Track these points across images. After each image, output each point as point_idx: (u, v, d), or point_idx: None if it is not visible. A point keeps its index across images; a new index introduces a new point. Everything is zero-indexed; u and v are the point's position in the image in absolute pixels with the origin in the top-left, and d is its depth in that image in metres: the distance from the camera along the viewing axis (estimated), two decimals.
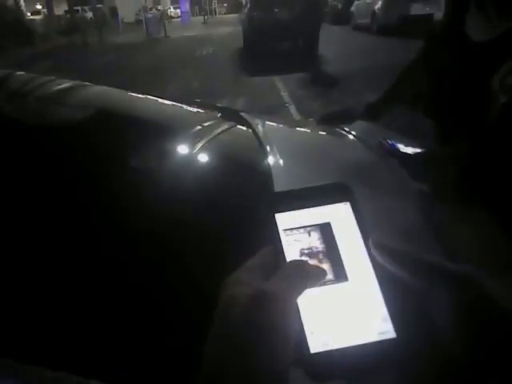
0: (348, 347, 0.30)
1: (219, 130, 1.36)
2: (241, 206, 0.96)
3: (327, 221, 0.35)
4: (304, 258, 0.34)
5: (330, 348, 0.29)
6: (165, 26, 18.56)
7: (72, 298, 0.72)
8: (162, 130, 1.36)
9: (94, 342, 0.66)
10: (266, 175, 1.09)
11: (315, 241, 0.34)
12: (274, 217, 0.34)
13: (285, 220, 0.34)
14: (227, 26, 19.38)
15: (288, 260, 0.33)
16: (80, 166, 1.03)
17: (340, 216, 0.35)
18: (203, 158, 1.22)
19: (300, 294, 0.31)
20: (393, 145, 1.17)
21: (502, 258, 0.81)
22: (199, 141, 1.22)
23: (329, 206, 0.35)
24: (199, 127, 1.40)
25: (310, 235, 0.34)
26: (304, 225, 0.35)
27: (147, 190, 0.96)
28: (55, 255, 0.79)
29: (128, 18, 24.61)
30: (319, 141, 1.60)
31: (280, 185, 1.03)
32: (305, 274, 0.32)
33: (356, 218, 0.35)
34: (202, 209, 0.94)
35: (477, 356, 0.28)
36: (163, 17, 20.29)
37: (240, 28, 12.36)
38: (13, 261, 0.77)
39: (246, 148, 1.35)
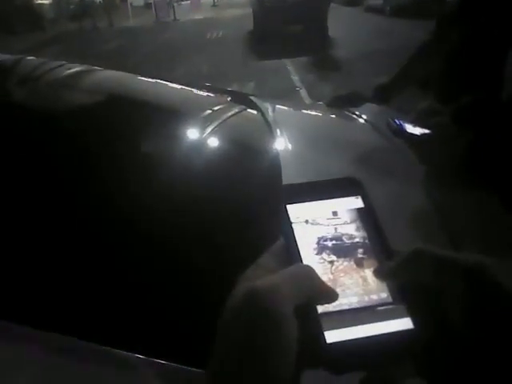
0: (364, 337, 0.29)
1: (229, 114, 1.36)
2: (249, 191, 0.97)
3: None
4: (330, 257, 0.31)
5: (347, 338, 0.29)
6: (174, 9, 18.39)
7: (87, 279, 0.73)
8: (172, 114, 1.36)
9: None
10: (274, 159, 1.09)
11: (352, 230, 0.32)
12: (286, 208, 0.33)
13: (296, 211, 0.33)
14: (237, 9, 19.12)
15: (302, 254, 0.31)
16: (90, 150, 1.04)
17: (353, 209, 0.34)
18: (213, 141, 1.22)
19: (298, 302, 0.28)
20: (400, 125, 1.16)
21: (506, 239, 0.80)
22: (209, 125, 1.22)
23: (341, 199, 0.34)
24: (209, 111, 1.39)
25: (340, 226, 0.32)
26: (316, 216, 0.33)
27: (157, 174, 0.97)
28: (65, 238, 0.81)
29: (137, 2, 24.34)
30: (329, 124, 1.59)
31: (290, 168, 1.03)
32: (309, 287, 0.29)
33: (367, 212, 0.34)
34: (211, 193, 0.94)
35: (491, 345, 0.28)
36: (172, 0, 20.09)
37: (250, 10, 12.21)
38: (28, 243, 0.78)
39: (255, 132, 1.35)
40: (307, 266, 0.30)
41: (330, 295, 0.30)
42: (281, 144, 1.18)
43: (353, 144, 1.27)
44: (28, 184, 0.90)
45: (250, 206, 0.91)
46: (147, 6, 22.61)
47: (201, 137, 1.20)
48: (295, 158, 1.14)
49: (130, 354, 0.61)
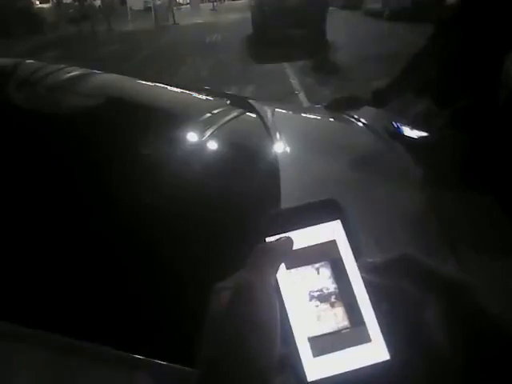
0: (344, 373, 0.30)
1: (228, 118, 1.36)
2: (248, 194, 0.97)
3: (318, 242, 0.34)
4: (314, 303, 0.32)
5: (327, 375, 0.30)
6: (173, 13, 18.45)
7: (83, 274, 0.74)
8: (172, 118, 1.37)
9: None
10: (272, 162, 1.09)
11: (326, 280, 0.33)
12: (265, 241, 0.33)
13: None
14: (236, 13, 19.17)
15: (290, 300, 0.32)
16: (89, 153, 1.04)
17: (331, 235, 0.34)
18: (212, 145, 1.23)
19: (273, 273, 0.32)
20: (398, 128, 1.16)
21: (503, 242, 0.81)
22: (208, 128, 1.23)
23: (319, 225, 0.34)
24: (208, 114, 1.40)
25: (318, 273, 0.33)
26: (301, 247, 0.33)
27: (156, 177, 0.97)
28: (63, 240, 0.81)
29: (136, 6, 24.40)
30: (327, 128, 1.60)
31: (288, 171, 1.03)
32: (270, 258, 0.32)
33: (347, 236, 0.34)
34: (209, 195, 0.94)
35: (473, 368, 0.28)
36: (172, 4, 20.15)
37: (249, 15, 12.25)
38: (33, 242, 0.78)
39: (254, 135, 1.36)
40: (262, 245, 0.33)
41: (287, 245, 0.33)
42: (279, 147, 1.18)
43: (351, 147, 1.27)
44: (27, 186, 0.91)
45: (249, 209, 0.91)
46: (147, 9, 22.67)
47: (200, 140, 1.20)
48: (294, 161, 1.14)
49: (130, 354, 0.61)
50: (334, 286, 0.33)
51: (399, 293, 0.32)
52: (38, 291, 0.71)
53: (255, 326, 0.29)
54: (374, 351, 0.31)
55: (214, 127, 1.24)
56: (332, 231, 0.34)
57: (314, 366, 0.31)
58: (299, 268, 0.33)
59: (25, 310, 0.67)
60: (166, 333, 0.68)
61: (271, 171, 1.04)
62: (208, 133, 1.20)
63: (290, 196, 0.91)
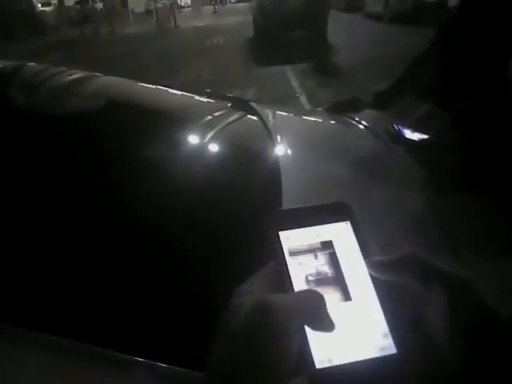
0: (351, 363, 0.31)
1: (229, 120, 1.37)
2: (249, 196, 0.97)
3: (329, 239, 0.36)
4: (311, 286, 0.34)
5: (335, 364, 0.31)
6: (175, 16, 18.52)
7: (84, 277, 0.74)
8: (173, 120, 1.37)
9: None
10: (274, 165, 1.09)
11: (322, 265, 0.35)
12: (277, 234, 0.35)
13: (287, 238, 0.35)
14: (238, 16, 19.23)
15: (293, 281, 0.34)
16: (91, 155, 1.05)
17: (341, 235, 0.36)
18: (214, 147, 1.23)
19: (302, 320, 0.31)
20: (399, 130, 1.17)
21: (504, 244, 0.81)
22: (210, 130, 1.23)
23: (330, 224, 0.36)
24: (210, 117, 1.40)
25: (316, 258, 0.35)
26: (306, 243, 0.35)
27: (158, 180, 0.97)
28: (64, 240, 0.81)
29: (138, 8, 24.58)
30: (328, 130, 1.60)
31: (290, 174, 1.03)
32: (316, 306, 0.32)
33: (356, 237, 0.36)
34: (210, 198, 0.95)
35: (474, 367, 0.28)
36: (173, 6, 20.21)
37: (251, 17, 12.27)
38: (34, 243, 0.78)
39: (255, 138, 1.36)
40: (318, 294, 0.33)
41: (329, 325, 0.32)
42: (281, 150, 1.19)
43: (352, 149, 1.27)
44: (29, 188, 0.91)
45: (250, 212, 0.92)
46: (148, 12, 22.76)
47: (201, 143, 1.20)
48: (295, 164, 1.14)
49: (130, 356, 0.62)
50: (327, 268, 0.35)
51: (403, 289, 0.32)
52: (41, 293, 0.71)
53: (264, 357, 0.29)
54: (382, 344, 0.32)
55: (215, 130, 1.24)
56: (341, 232, 0.37)
57: (322, 353, 0.31)
58: (301, 253, 0.35)
59: (27, 312, 0.67)
60: (168, 334, 0.68)
61: (272, 173, 1.05)
62: (209, 135, 1.20)
63: (291, 198, 0.91)
